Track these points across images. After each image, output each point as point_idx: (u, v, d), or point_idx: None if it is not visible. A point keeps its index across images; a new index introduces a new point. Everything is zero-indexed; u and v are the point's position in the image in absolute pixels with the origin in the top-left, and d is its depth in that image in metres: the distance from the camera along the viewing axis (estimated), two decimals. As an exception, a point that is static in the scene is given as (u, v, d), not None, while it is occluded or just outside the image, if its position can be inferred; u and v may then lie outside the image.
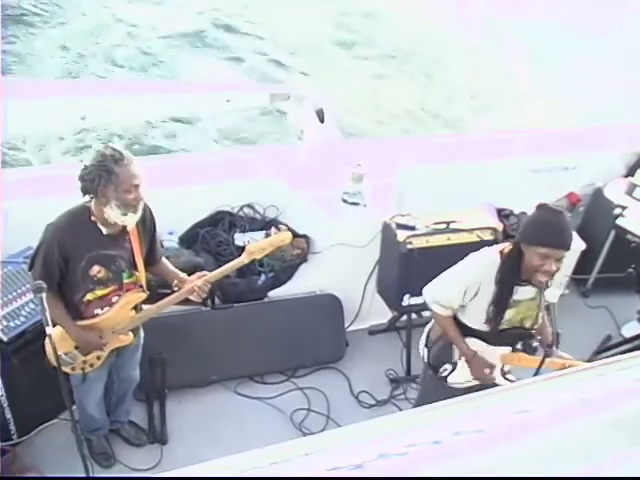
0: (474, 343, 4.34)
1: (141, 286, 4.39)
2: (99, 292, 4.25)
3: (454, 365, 4.45)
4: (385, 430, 2.12)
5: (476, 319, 4.23)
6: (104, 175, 3.87)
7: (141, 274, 4.35)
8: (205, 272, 4.43)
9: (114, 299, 4.31)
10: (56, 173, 5.66)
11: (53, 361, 3.93)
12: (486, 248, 4.25)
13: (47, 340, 3.78)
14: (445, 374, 4.49)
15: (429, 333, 4.61)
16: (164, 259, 4.57)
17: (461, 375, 4.46)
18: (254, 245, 4.38)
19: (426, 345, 4.61)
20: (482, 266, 4.15)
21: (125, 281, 4.30)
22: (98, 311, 4.30)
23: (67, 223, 4.07)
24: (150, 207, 4.28)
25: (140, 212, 4.07)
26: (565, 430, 2.15)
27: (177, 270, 4.52)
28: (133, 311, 4.42)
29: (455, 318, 4.35)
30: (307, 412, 5.64)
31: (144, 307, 4.51)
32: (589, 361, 5.33)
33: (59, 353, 4.07)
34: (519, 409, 2.24)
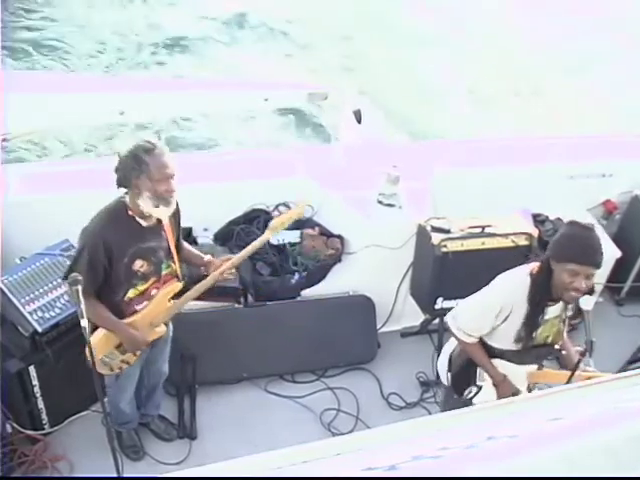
0: (501, 365, 4.29)
1: (177, 276, 4.43)
2: (141, 287, 4.27)
3: (479, 388, 4.38)
4: (418, 432, 2.12)
5: (505, 340, 4.18)
6: (135, 166, 3.90)
7: (177, 264, 4.39)
8: (229, 256, 4.50)
9: (153, 292, 4.33)
10: (93, 167, 5.72)
11: (96, 366, 3.91)
12: (514, 270, 4.14)
13: (87, 349, 3.73)
14: (470, 396, 4.42)
15: (451, 357, 4.53)
16: (184, 242, 4.61)
17: (487, 396, 4.37)
18: (274, 221, 4.53)
19: (449, 370, 4.54)
20: (514, 289, 4.07)
21: (164, 272, 4.34)
22: (138, 307, 4.32)
23: (107, 220, 4.07)
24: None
25: (174, 205, 4.08)
26: (597, 439, 2.14)
27: (200, 253, 4.60)
28: (171, 301, 4.44)
29: (480, 340, 4.30)
30: (336, 412, 5.64)
31: None
32: (621, 370, 5.30)
33: (99, 357, 4.15)
34: (552, 416, 2.23)
